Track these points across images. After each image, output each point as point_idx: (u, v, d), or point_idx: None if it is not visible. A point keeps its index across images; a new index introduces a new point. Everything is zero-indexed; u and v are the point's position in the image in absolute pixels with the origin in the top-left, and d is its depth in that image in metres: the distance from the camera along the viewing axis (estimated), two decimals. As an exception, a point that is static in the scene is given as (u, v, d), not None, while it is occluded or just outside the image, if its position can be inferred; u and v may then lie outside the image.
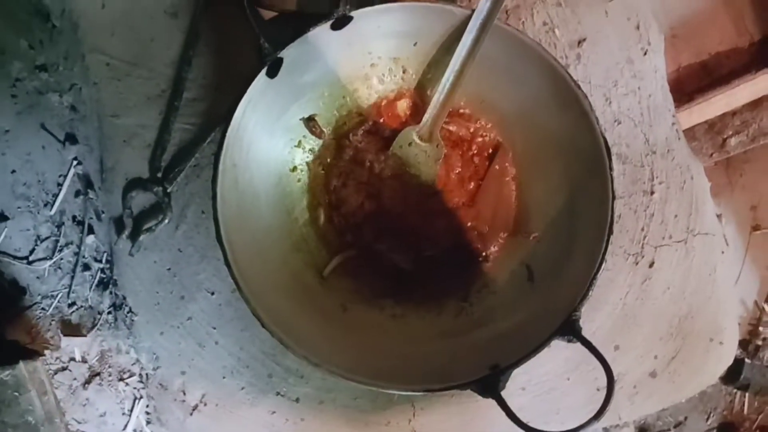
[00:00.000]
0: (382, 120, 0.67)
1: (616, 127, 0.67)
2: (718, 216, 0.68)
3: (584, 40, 0.67)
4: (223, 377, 0.66)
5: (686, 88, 0.83)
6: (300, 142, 0.66)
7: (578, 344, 0.65)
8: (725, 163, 0.84)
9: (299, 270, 0.64)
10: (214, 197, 0.56)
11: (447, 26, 0.60)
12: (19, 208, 0.78)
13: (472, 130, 0.67)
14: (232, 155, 0.57)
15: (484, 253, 0.66)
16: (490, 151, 0.67)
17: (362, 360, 0.56)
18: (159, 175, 0.68)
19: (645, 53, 0.67)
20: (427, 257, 0.66)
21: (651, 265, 0.66)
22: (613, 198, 0.55)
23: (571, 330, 0.53)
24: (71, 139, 0.77)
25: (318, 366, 0.53)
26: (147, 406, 0.74)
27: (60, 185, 0.77)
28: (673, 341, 0.66)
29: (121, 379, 0.74)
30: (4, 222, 0.77)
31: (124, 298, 0.69)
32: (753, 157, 0.83)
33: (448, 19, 0.60)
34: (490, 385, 0.52)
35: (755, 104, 0.79)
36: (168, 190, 0.68)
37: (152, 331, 0.67)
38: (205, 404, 0.66)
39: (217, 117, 0.68)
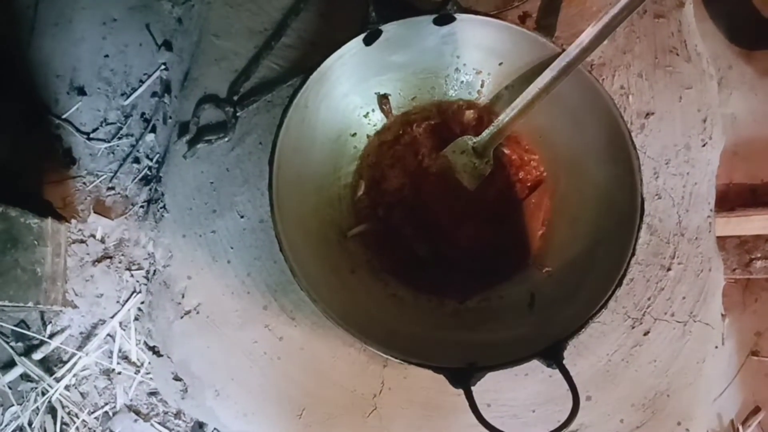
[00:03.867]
0: (446, 122, 0.72)
1: (656, 200, 0.70)
2: (723, 315, 0.70)
3: (652, 113, 0.71)
4: (223, 294, 0.70)
5: (731, 203, 0.86)
6: (368, 113, 0.70)
7: (552, 380, 0.68)
8: (744, 284, 0.86)
9: (326, 222, 0.67)
10: (280, 125, 0.60)
11: (535, 57, 0.64)
12: (98, 89, 0.84)
13: (522, 159, 0.71)
14: (308, 96, 0.62)
15: (495, 271, 0.69)
16: (533, 183, 0.70)
17: (355, 316, 0.59)
18: (235, 98, 0.73)
19: (704, 145, 0.71)
20: (443, 255, 0.69)
21: (646, 333, 0.68)
22: (632, 255, 0.58)
23: (554, 355, 0.55)
24: (167, 45, 0.84)
25: (316, 303, 0.56)
26: (142, 302, 0.78)
27: (142, 82, 0.83)
28: (643, 412, 0.67)
29: (129, 269, 0.79)
30: (81, 96, 0.84)
31: (162, 194, 0.73)
32: (772, 287, 0.85)
33: (539, 50, 0.63)
34: (463, 377, 0.54)
35: (791, 239, 0.81)
36: (237, 114, 0.73)
37: (176, 230, 0.71)
38: (198, 313, 0.70)
39: (303, 68, 0.73)
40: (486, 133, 0.68)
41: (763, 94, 0.88)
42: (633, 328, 0.68)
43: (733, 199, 0.86)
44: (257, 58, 0.74)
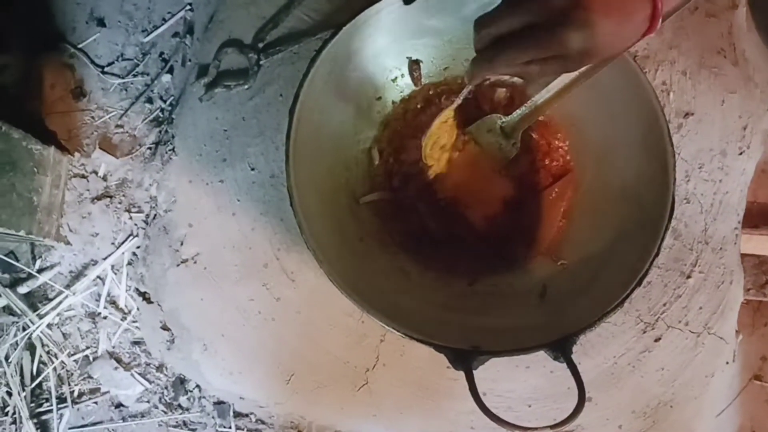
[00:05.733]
0: (475, 98, 0.69)
1: (684, 204, 0.67)
2: (737, 331, 0.68)
3: (692, 114, 0.68)
4: (224, 247, 0.67)
5: (754, 220, 0.83)
6: (397, 78, 0.67)
7: (553, 377, 0.65)
8: (757, 306, 0.84)
9: (339, 185, 0.65)
10: (306, 74, 0.57)
11: (579, 39, 0.62)
12: (119, 22, 0.80)
13: (551, 145, 0.68)
14: (338, 50, 0.59)
15: (508, 257, 0.66)
16: (559, 172, 0.68)
17: (359, 284, 0.56)
18: (260, 45, 0.70)
19: (741, 153, 0.68)
20: (456, 235, 0.66)
21: (657, 340, 0.65)
22: (656, 255, 0.55)
23: (563, 348, 0.53)
24: (196, -14, 0.80)
25: (322, 263, 0.54)
26: (137, 247, 0.75)
27: (164, 20, 0.80)
28: (644, 420, 0.65)
29: (128, 211, 0.76)
30: (100, 28, 0.80)
31: (173, 136, 0.70)
32: (785, 313, 0.83)
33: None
34: (465, 359, 0.52)
35: (812, 266, 0.79)
36: (260, 62, 0.70)
37: (182, 175, 0.68)
38: (195, 263, 0.67)
39: (334, 23, 0.70)
40: (516, 114, 0.65)
41: (800, 115, 0.85)
42: (644, 332, 0.66)
43: (755, 217, 0.84)
44: (288, 6, 0.71)
